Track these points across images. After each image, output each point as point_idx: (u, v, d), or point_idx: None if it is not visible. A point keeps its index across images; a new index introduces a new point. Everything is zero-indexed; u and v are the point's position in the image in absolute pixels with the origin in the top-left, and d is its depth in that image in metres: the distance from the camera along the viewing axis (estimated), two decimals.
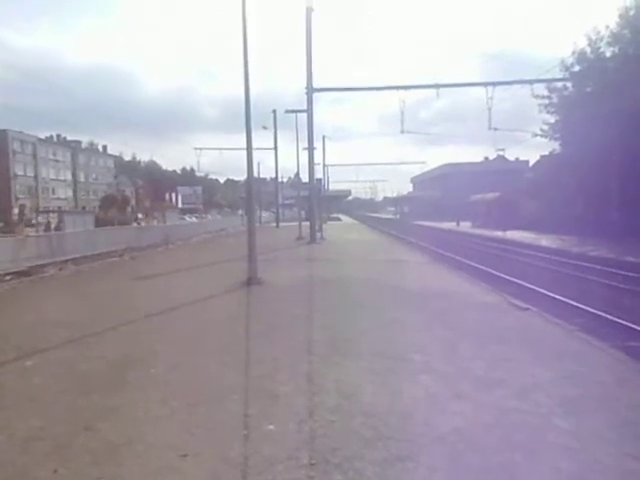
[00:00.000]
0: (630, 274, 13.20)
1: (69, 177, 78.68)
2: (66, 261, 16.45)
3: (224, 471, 3.13)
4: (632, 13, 23.07)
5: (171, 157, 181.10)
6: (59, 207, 56.21)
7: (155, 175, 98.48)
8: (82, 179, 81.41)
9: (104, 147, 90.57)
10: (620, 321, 8.36)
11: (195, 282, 11.75)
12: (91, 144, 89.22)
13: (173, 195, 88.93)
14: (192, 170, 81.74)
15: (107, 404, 4.22)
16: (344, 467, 3.10)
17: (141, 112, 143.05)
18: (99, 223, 31.87)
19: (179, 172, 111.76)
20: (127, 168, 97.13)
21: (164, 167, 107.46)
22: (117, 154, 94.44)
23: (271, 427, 3.71)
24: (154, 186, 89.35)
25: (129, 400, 4.30)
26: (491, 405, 4.01)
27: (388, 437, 3.49)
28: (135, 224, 34.90)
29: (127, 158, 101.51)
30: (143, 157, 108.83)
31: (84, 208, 66.57)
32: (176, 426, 3.76)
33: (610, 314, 8.79)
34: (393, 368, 5.02)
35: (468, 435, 3.48)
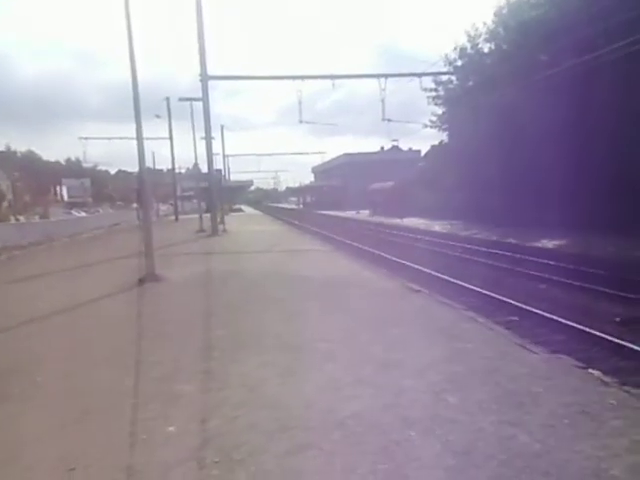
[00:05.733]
0: (509, 254, 14.56)
1: None
2: None
3: None
4: (505, 12, 25.09)
5: (53, 147, 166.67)
6: None
7: (35, 167, 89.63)
8: None
9: None
10: (502, 298, 9.19)
11: (85, 282, 10.94)
12: None
13: (58, 188, 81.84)
14: (78, 161, 75.79)
15: None
16: (247, 462, 3.09)
17: (14, 98, 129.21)
18: None
19: (63, 163, 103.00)
20: (1, 159, 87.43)
21: (45, 158, 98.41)
22: None
23: (172, 429, 3.57)
24: (35, 179, 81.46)
25: (10, 415, 3.91)
26: (389, 386, 4.20)
27: (291, 427, 3.52)
28: (14, 220, 31.65)
29: (0, 148, 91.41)
30: (19, 147, 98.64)
31: None
32: (65, 439, 3.48)
33: (493, 292, 9.62)
34: (298, 358, 5.07)
35: (367, 418, 3.61)
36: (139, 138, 10.06)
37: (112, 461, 3.16)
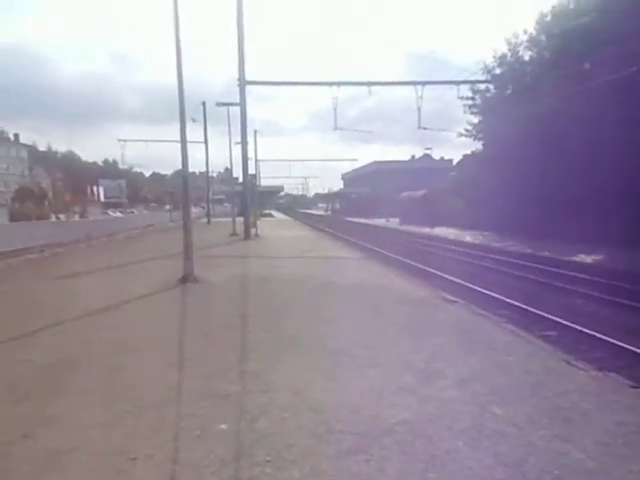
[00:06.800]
0: (545, 267, 14.30)
1: None
2: None
3: (178, 472, 3.09)
4: (548, 19, 24.76)
5: (91, 148, 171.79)
6: None
7: (74, 167, 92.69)
8: None
9: (15, 135, 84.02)
10: (538, 312, 9.06)
11: (126, 280, 11.28)
12: (1, 132, 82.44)
13: (95, 188, 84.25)
14: (115, 162, 78.05)
15: (45, 411, 3.99)
16: (300, 463, 3.16)
17: (54, 99, 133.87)
18: (14, 217, 29.65)
19: (100, 164, 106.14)
20: (42, 159, 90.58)
21: (84, 158, 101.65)
22: (30, 143, 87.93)
23: (223, 427, 3.69)
24: (73, 178, 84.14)
25: (69, 406, 4.09)
26: (433, 396, 4.22)
27: (339, 431, 3.59)
28: (54, 218, 32.78)
29: (42, 148, 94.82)
30: (60, 147, 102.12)
31: None
32: (123, 430, 3.63)
33: (529, 305, 9.49)
34: (339, 363, 5.13)
35: (415, 426, 3.65)
36: (183, 141, 10.31)
37: (169, 453, 3.29)
